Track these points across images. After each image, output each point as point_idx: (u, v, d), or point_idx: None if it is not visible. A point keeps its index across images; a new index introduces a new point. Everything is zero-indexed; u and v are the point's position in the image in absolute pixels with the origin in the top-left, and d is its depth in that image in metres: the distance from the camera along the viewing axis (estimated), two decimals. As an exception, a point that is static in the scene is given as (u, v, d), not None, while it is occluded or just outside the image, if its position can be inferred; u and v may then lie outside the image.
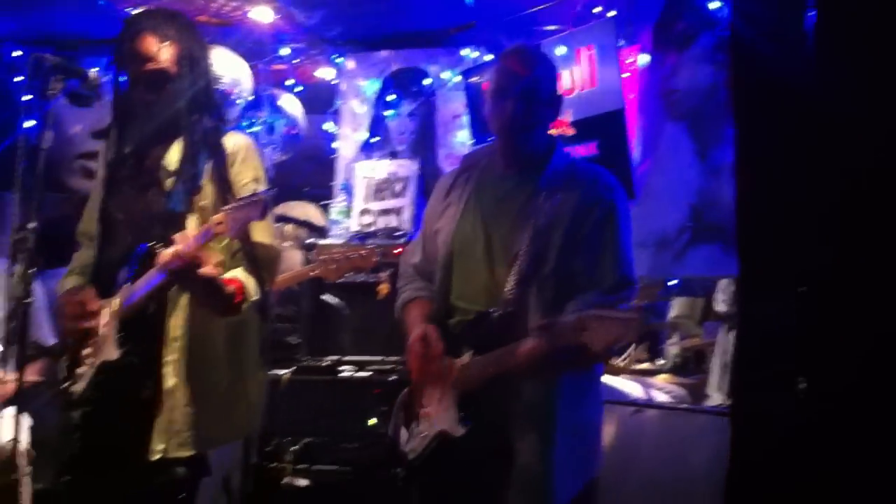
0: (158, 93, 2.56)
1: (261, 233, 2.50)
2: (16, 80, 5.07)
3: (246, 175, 2.49)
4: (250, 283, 2.46)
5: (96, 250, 2.62)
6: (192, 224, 2.47)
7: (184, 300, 2.49)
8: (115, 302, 2.53)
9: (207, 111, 2.62)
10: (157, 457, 2.42)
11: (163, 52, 2.56)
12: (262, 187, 2.46)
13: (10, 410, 2.61)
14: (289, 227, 4.93)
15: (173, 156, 2.57)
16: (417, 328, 2.57)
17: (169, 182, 2.55)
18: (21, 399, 2.46)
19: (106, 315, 2.52)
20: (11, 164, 2.56)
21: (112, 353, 2.50)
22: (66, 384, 2.58)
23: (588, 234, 2.47)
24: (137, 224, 2.56)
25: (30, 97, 4.83)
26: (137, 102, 2.58)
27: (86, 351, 2.57)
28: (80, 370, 2.57)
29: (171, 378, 2.46)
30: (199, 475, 2.56)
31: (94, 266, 2.62)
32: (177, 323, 2.49)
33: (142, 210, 2.57)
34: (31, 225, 2.40)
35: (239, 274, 2.46)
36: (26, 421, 3.73)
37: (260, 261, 2.41)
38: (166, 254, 2.33)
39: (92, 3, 4.52)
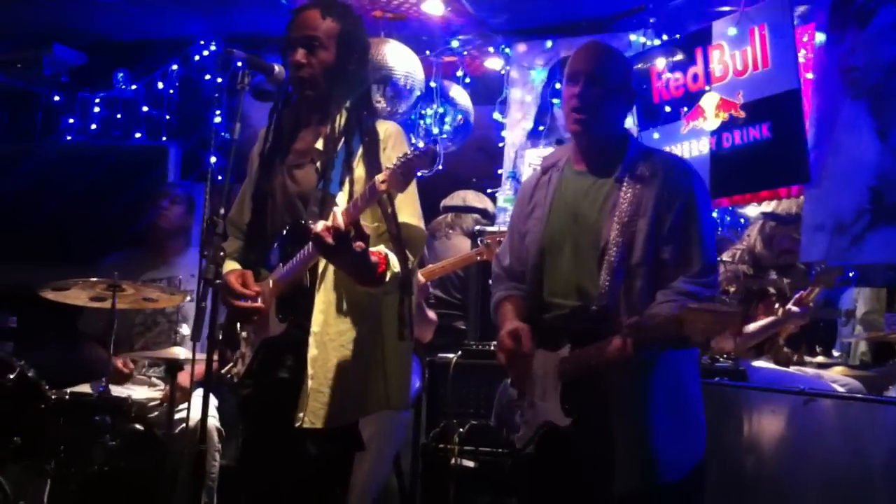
0: (314, 69, 2.63)
1: (407, 213, 2.55)
2: (206, 77, 5.42)
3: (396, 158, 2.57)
4: (393, 257, 2.50)
5: (249, 231, 2.73)
6: (342, 203, 2.51)
7: (330, 273, 2.58)
8: (271, 280, 2.64)
9: (362, 96, 2.72)
10: (299, 425, 2.50)
11: (322, 25, 2.66)
12: None
13: (201, 390, 2.69)
14: (458, 216, 5.01)
15: (328, 137, 2.66)
16: (508, 324, 2.63)
17: (322, 163, 2.64)
18: (210, 380, 2.52)
19: (265, 294, 2.63)
20: (202, 157, 2.68)
21: (274, 329, 2.62)
22: (229, 366, 2.71)
23: (672, 223, 2.51)
24: (290, 204, 2.66)
25: (218, 92, 5.19)
26: (294, 83, 2.65)
27: (245, 332, 2.71)
28: (240, 351, 2.71)
29: (313, 349, 2.54)
30: (351, 448, 2.64)
31: (246, 249, 2.75)
32: (323, 297, 2.57)
33: (295, 190, 2.67)
34: (222, 212, 2.48)
35: (382, 248, 2.52)
36: (213, 401, 3.95)
37: (405, 241, 2.45)
38: (320, 226, 2.37)
39: (275, 3, 4.78)
